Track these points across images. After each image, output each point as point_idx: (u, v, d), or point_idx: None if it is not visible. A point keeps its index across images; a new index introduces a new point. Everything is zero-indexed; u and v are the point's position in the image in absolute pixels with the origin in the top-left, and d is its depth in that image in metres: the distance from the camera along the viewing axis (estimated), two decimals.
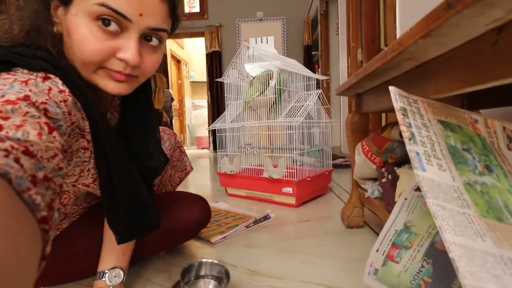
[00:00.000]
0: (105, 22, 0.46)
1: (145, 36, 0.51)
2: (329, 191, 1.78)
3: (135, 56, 0.48)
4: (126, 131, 0.65)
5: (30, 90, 0.38)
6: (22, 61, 0.43)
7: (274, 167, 1.50)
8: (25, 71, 0.42)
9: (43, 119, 0.35)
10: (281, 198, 1.51)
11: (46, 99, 0.39)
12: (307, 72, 1.79)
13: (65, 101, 0.42)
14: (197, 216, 0.87)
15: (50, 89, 0.41)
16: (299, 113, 1.45)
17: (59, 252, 0.72)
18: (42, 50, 0.47)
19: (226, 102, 1.81)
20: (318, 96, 1.62)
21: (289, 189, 1.45)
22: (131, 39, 0.48)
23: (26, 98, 0.36)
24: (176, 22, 0.56)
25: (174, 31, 0.57)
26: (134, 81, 0.54)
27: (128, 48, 0.48)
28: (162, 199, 0.88)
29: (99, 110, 0.53)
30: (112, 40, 0.47)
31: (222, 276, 0.70)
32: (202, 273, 0.72)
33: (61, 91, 0.43)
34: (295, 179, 1.43)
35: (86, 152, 0.52)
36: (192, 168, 1.13)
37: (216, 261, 0.72)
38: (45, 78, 0.43)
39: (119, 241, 0.62)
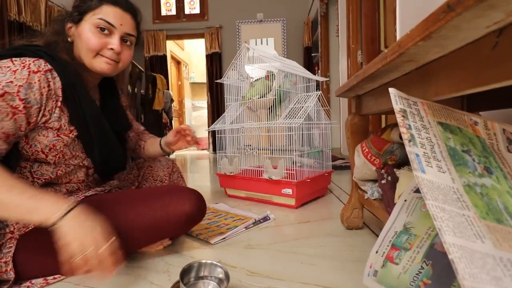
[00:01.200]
0: (102, 28, 0.80)
1: (123, 38, 0.85)
2: (328, 192, 1.78)
3: (118, 46, 0.83)
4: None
5: (15, 78, 0.67)
6: (28, 52, 0.73)
7: (274, 168, 1.50)
8: (27, 58, 0.71)
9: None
10: (280, 199, 1.50)
11: (23, 83, 0.67)
12: (307, 74, 1.79)
13: (38, 80, 0.70)
14: (188, 206, 0.85)
15: (29, 74, 0.69)
16: (298, 115, 1.45)
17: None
18: (47, 49, 0.77)
19: (225, 103, 1.81)
20: (318, 97, 1.62)
21: (288, 190, 1.44)
22: (115, 37, 0.83)
23: (8, 83, 0.66)
24: (139, 34, 0.92)
25: (139, 40, 0.92)
26: (116, 65, 0.86)
27: (114, 42, 0.82)
28: (154, 189, 0.91)
29: (85, 87, 0.83)
30: (105, 38, 0.81)
31: (222, 277, 0.69)
32: (202, 274, 0.71)
33: (37, 71, 0.70)
34: (295, 180, 1.42)
35: (57, 110, 0.75)
36: None
37: (215, 262, 0.72)
38: (35, 61, 0.71)
39: (98, 173, 0.93)
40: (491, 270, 0.32)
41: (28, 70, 0.68)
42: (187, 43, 7.46)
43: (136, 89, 3.06)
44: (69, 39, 0.82)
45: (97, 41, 0.80)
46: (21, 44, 0.76)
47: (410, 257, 0.48)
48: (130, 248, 0.85)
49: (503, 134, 0.49)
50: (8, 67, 0.67)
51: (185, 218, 0.86)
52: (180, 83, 7.15)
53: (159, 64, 5.49)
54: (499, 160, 0.45)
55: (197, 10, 5.58)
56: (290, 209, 1.44)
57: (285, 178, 1.46)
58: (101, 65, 0.82)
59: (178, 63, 7.07)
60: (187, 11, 5.59)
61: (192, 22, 5.54)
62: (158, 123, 4.05)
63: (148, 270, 0.84)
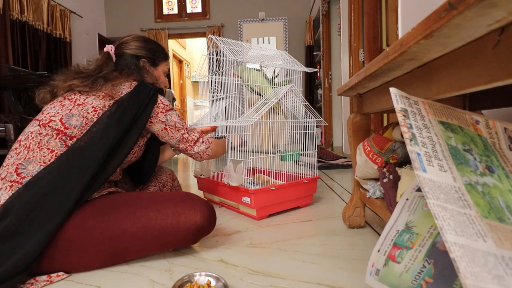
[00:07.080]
0: (166, 74, 1.24)
1: None
2: (331, 191, 1.78)
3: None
4: None
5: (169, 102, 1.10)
6: (160, 90, 1.10)
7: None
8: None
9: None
10: (245, 209, 1.33)
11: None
12: (293, 66, 1.51)
13: None
14: (199, 217, 0.87)
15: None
16: (259, 112, 1.26)
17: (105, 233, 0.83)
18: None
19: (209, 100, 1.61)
20: (291, 90, 1.37)
21: (247, 199, 1.26)
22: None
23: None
24: None
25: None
26: None
27: (167, 82, 1.26)
28: (168, 195, 0.92)
29: None
30: (166, 79, 1.25)
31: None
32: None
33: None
34: (252, 187, 1.26)
35: None
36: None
37: (211, 274, 0.72)
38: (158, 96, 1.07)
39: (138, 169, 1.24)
40: (492, 269, 0.32)
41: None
42: (189, 42, 7.46)
43: None
44: (145, 75, 1.13)
45: (166, 83, 1.26)
46: (151, 84, 1.08)
47: (412, 255, 0.48)
48: (139, 252, 0.87)
49: (504, 133, 0.49)
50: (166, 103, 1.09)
51: (195, 229, 0.87)
52: (182, 82, 7.15)
53: None
54: (500, 159, 0.45)
55: (199, 9, 5.58)
56: (291, 208, 1.41)
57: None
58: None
59: (180, 62, 7.07)
60: (189, 10, 5.59)
61: (194, 21, 5.54)
62: None
63: (150, 269, 0.84)
